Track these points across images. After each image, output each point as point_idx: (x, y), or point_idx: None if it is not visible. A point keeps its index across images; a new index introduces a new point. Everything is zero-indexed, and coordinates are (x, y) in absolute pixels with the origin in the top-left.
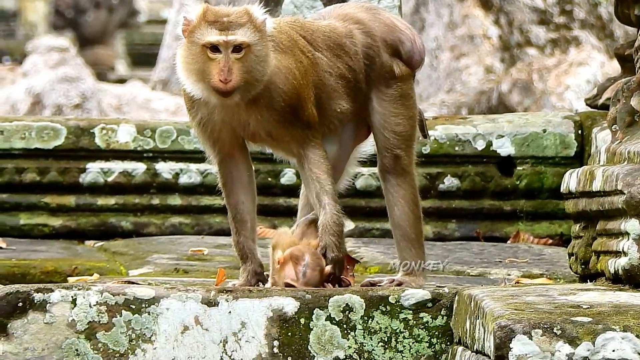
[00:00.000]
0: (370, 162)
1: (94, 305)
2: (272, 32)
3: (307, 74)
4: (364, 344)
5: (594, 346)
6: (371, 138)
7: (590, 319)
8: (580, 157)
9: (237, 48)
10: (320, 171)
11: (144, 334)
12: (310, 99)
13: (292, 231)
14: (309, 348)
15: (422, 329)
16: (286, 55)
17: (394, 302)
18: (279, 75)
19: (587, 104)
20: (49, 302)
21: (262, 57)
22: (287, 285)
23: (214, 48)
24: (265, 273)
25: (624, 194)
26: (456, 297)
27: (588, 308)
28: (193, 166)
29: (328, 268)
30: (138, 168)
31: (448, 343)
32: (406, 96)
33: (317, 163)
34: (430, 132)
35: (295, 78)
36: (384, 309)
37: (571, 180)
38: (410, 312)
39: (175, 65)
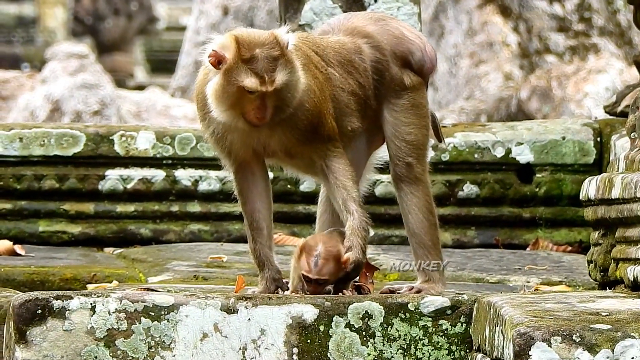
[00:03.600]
0: (389, 169)
1: (113, 312)
2: (290, 50)
3: (324, 88)
4: (383, 351)
5: (613, 353)
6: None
7: (609, 326)
8: (599, 165)
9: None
10: (346, 179)
11: (163, 341)
12: (329, 112)
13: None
14: (328, 355)
15: (441, 336)
16: (305, 73)
17: (413, 309)
18: (303, 95)
19: (605, 111)
20: (68, 310)
21: (294, 84)
22: (304, 277)
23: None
24: (285, 280)
25: None
26: (475, 304)
27: (607, 315)
28: (212, 173)
29: (346, 256)
30: (157, 175)
31: (467, 350)
32: (418, 105)
33: (342, 171)
34: (449, 140)
35: (315, 95)
36: (403, 316)
37: (590, 187)
38: (430, 319)
39: (194, 72)
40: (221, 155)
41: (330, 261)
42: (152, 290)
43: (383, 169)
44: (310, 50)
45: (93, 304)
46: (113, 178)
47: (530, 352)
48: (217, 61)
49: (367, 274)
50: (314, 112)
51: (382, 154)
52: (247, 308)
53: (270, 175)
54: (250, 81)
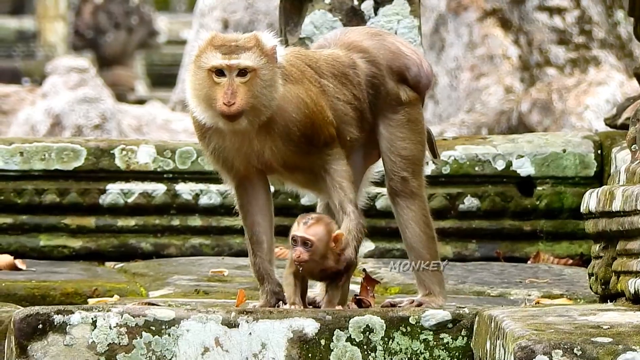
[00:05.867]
0: None
1: (114, 327)
2: (282, 64)
3: (318, 100)
4: None
5: None
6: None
7: (610, 340)
8: (600, 177)
9: (242, 72)
10: (343, 179)
11: (165, 356)
12: (326, 121)
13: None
14: None
15: (442, 349)
16: (296, 85)
17: (414, 323)
18: (291, 105)
19: (606, 124)
20: (69, 324)
21: (269, 81)
22: (291, 240)
23: (219, 72)
24: (284, 293)
25: None
26: (476, 318)
27: (608, 328)
28: (213, 187)
29: (338, 232)
30: (158, 189)
31: None
32: (414, 121)
33: (340, 172)
34: (450, 153)
35: (307, 107)
36: (404, 330)
37: (591, 200)
38: (431, 332)
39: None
40: (222, 172)
41: (320, 224)
42: (153, 304)
43: (383, 183)
44: (303, 64)
45: (94, 319)
46: (114, 192)
47: None
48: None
49: (368, 287)
50: (306, 124)
51: (379, 168)
52: (248, 322)
53: (272, 189)
54: (215, 57)
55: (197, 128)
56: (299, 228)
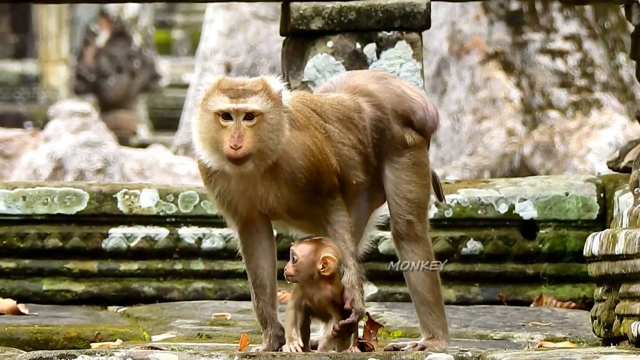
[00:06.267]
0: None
1: None
2: (289, 108)
3: (323, 147)
4: None
5: None
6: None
7: None
8: (603, 220)
9: (249, 116)
10: (344, 231)
11: None
12: (331, 169)
13: None
14: None
15: None
16: (302, 132)
17: None
18: (297, 152)
19: (609, 167)
20: None
21: (275, 125)
22: (288, 276)
23: (226, 116)
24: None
25: None
26: None
27: None
28: (216, 231)
29: (327, 255)
30: (161, 233)
31: None
32: (420, 164)
33: (341, 224)
34: (452, 196)
35: (313, 155)
36: None
37: (594, 243)
38: None
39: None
40: (226, 216)
41: (312, 244)
42: (156, 348)
43: (386, 226)
44: (308, 109)
45: None
46: (116, 236)
47: None
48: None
49: (371, 331)
50: (312, 171)
51: (383, 211)
52: None
53: (275, 233)
54: (223, 100)
55: (203, 172)
56: (295, 243)
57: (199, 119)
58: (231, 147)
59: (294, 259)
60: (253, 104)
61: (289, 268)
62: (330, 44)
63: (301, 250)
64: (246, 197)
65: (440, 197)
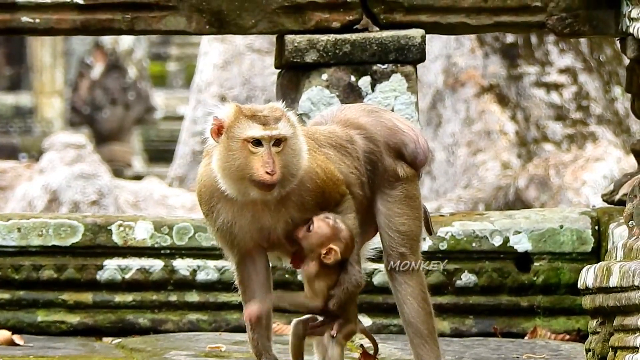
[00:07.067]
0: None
1: None
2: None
3: (327, 165)
4: None
5: None
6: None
7: None
8: (597, 253)
9: (277, 142)
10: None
11: None
12: (336, 184)
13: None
14: None
15: None
16: (308, 156)
17: None
18: (304, 176)
19: (603, 200)
20: None
21: (298, 151)
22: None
23: (256, 142)
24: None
25: None
26: None
27: None
28: (210, 263)
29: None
30: (155, 265)
31: None
32: (411, 197)
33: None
34: (447, 229)
35: (318, 177)
36: None
37: (588, 276)
38: None
39: (192, 161)
40: (226, 247)
41: (330, 227)
42: None
43: (379, 259)
44: (305, 136)
45: None
46: (111, 268)
47: None
48: (219, 128)
49: None
50: (318, 193)
51: (375, 245)
52: None
53: (270, 265)
54: (253, 127)
55: (204, 202)
56: (321, 216)
57: (223, 147)
58: (267, 172)
59: (309, 227)
60: (283, 129)
61: (301, 232)
62: (324, 76)
63: (319, 227)
64: (253, 226)
65: (429, 230)
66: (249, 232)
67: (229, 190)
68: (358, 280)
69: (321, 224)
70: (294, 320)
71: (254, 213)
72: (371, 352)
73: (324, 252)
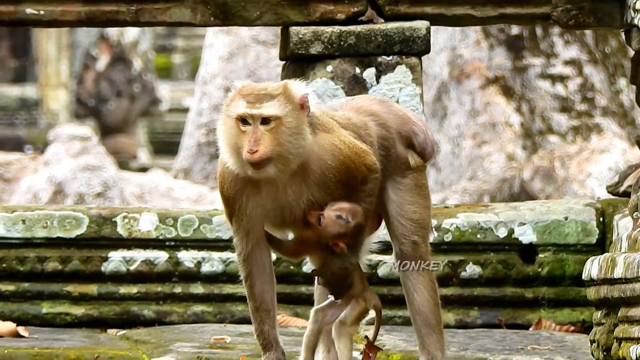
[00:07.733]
0: (391, 250)
1: None
2: (314, 113)
3: (350, 141)
4: None
5: None
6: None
7: None
8: (602, 245)
9: (266, 120)
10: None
11: None
12: (362, 157)
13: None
14: None
15: None
16: (329, 134)
17: None
18: (326, 153)
19: (608, 192)
20: None
21: (295, 129)
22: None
23: (245, 121)
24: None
25: None
26: None
27: None
28: (215, 255)
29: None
30: (160, 257)
31: None
32: (421, 186)
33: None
34: (452, 220)
35: (342, 153)
36: None
37: (593, 267)
38: None
39: (197, 153)
40: (240, 235)
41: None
42: None
43: (385, 250)
44: (327, 116)
45: None
46: (116, 260)
47: None
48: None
49: (370, 354)
50: (342, 171)
51: (376, 238)
52: None
53: (273, 257)
54: (240, 105)
55: (231, 183)
56: (341, 203)
57: (222, 124)
58: (248, 151)
59: (320, 220)
60: (268, 109)
61: (312, 217)
62: (329, 68)
63: (328, 225)
64: (277, 204)
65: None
66: (271, 210)
67: (232, 167)
68: (345, 264)
69: (330, 222)
70: (313, 309)
71: (275, 191)
72: (376, 343)
73: (331, 243)
